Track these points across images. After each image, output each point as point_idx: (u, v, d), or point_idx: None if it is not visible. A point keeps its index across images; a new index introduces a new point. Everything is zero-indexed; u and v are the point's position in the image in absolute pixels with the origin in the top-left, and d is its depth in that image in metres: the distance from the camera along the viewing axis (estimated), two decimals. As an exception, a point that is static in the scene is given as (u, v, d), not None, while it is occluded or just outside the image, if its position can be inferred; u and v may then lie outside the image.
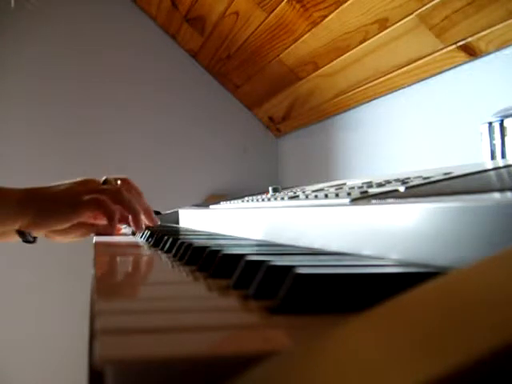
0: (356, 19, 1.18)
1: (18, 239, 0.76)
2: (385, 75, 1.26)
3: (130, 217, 0.78)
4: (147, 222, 0.84)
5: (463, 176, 0.46)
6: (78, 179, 0.78)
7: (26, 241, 0.75)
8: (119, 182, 0.83)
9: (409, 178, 0.50)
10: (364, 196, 0.43)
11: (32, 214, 0.72)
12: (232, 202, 0.83)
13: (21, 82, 1.80)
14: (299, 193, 0.65)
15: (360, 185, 0.55)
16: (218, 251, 0.36)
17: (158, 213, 1.32)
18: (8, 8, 1.62)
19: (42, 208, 0.73)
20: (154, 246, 0.65)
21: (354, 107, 1.47)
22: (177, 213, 1.18)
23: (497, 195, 0.29)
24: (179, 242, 0.50)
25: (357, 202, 0.41)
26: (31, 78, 1.81)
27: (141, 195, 0.85)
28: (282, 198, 0.61)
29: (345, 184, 0.67)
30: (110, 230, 0.76)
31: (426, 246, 0.28)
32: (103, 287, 0.32)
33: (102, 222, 0.78)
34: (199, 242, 0.47)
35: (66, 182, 0.77)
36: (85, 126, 1.84)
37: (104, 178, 0.82)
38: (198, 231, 0.85)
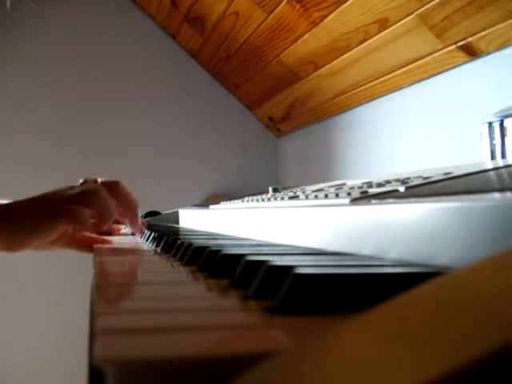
0: (356, 19, 1.18)
1: None
2: (385, 75, 1.26)
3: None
4: (130, 227, 0.76)
5: (463, 176, 0.46)
6: (51, 190, 0.71)
7: None
8: (99, 180, 0.75)
9: (409, 178, 0.50)
10: (364, 196, 0.43)
11: (3, 233, 0.66)
12: (232, 202, 0.82)
13: (20, 82, 1.80)
14: (299, 193, 0.65)
15: (360, 185, 0.55)
16: (218, 251, 0.36)
17: (157, 213, 1.32)
18: (3, 10, 1.62)
19: (13, 226, 0.66)
20: (153, 246, 0.65)
21: (354, 107, 1.47)
22: (177, 213, 1.18)
23: (497, 195, 0.29)
24: (179, 241, 0.50)
25: (357, 202, 0.41)
26: (30, 79, 1.81)
27: (128, 196, 0.75)
28: (282, 198, 0.61)
29: (345, 184, 0.67)
30: (108, 230, 0.72)
31: (425, 245, 0.28)
32: (103, 287, 0.32)
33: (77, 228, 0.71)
34: (199, 241, 0.47)
35: (40, 194, 0.70)
36: (84, 126, 1.84)
37: (82, 181, 0.74)
38: (198, 231, 0.85)
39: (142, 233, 0.79)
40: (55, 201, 0.68)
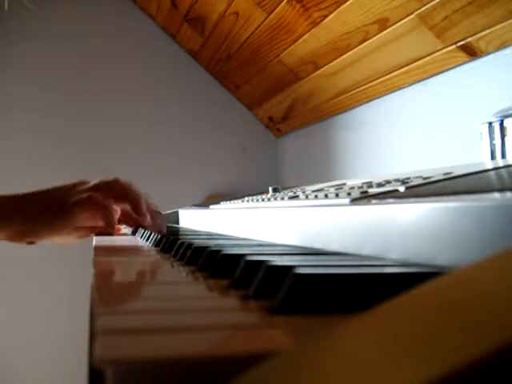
0: (356, 19, 1.18)
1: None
2: (385, 75, 1.26)
3: (129, 208, 0.68)
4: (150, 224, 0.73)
5: (463, 176, 0.46)
6: (68, 182, 0.70)
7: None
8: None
9: (409, 178, 0.50)
10: (364, 196, 0.43)
11: (17, 223, 0.64)
12: (232, 202, 0.82)
13: (20, 82, 1.80)
14: (299, 193, 0.65)
15: (360, 185, 0.55)
16: (218, 251, 0.36)
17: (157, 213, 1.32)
18: (1, 10, 1.62)
19: (28, 216, 0.64)
20: (153, 246, 0.65)
21: (354, 107, 1.47)
22: (177, 213, 1.18)
23: (497, 195, 0.29)
24: (179, 242, 0.50)
25: (357, 202, 0.41)
26: (30, 79, 1.81)
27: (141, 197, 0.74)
28: (282, 198, 0.61)
29: (345, 184, 0.67)
30: (109, 229, 0.70)
31: (425, 245, 0.28)
32: (103, 287, 0.32)
33: (101, 222, 0.69)
34: (199, 241, 0.47)
35: (56, 186, 0.69)
36: (84, 126, 1.84)
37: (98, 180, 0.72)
38: (198, 231, 0.85)
39: (160, 228, 0.74)
40: (70, 192, 0.67)
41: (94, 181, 0.70)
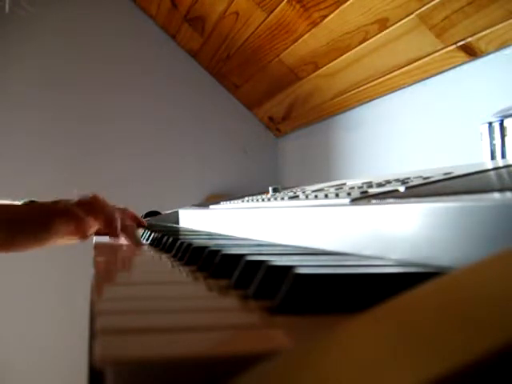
0: (356, 19, 1.18)
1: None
2: (385, 75, 1.26)
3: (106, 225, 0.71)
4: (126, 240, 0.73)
5: (463, 176, 0.46)
6: (51, 200, 0.72)
7: None
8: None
9: (409, 178, 0.50)
10: (364, 196, 0.43)
11: (2, 234, 0.67)
12: (232, 202, 0.82)
13: (20, 82, 1.80)
14: (299, 193, 0.65)
15: (360, 185, 0.55)
16: (218, 251, 0.36)
17: (157, 213, 1.32)
18: (2, 12, 1.62)
19: (14, 228, 0.67)
20: (153, 246, 0.65)
21: (354, 107, 1.47)
22: (177, 213, 1.18)
23: (497, 195, 0.29)
24: (179, 241, 0.50)
25: (357, 202, 0.41)
26: (30, 79, 1.81)
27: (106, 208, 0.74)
28: (282, 198, 0.61)
29: (345, 184, 0.67)
30: (83, 240, 0.71)
31: (425, 246, 0.28)
32: (103, 287, 0.32)
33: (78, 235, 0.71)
34: (199, 241, 0.47)
35: (40, 201, 0.72)
36: (84, 126, 1.84)
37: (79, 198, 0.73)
38: (198, 231, 0.85)
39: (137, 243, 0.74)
40: (52, 205, 0.70)
41: (75, 198, 0.73)
